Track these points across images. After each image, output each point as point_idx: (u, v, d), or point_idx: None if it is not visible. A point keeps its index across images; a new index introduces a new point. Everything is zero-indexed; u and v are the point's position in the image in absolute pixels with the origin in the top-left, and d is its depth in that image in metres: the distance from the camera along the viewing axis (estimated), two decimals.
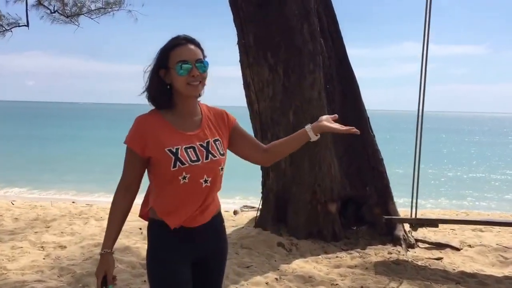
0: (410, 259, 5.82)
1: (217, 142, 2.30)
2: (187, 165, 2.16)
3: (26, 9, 9.80)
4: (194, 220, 2.26)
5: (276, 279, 5.01)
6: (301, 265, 5.49)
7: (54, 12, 10.01)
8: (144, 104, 2.31)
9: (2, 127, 48.71)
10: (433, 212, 11.05)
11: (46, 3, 9.86)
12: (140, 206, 2.38)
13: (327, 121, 2.35)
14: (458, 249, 6.37)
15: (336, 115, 2.43)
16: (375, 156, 6.78)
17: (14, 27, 10.25)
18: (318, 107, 6.38)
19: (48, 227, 7.25)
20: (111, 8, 10.02)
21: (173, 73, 2.18)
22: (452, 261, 5.90)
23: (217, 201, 2.40)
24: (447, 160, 27.71)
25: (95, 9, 10.05)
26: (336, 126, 2.34)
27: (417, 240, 6.56)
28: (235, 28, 6.72)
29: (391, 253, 5.95)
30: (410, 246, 6.37)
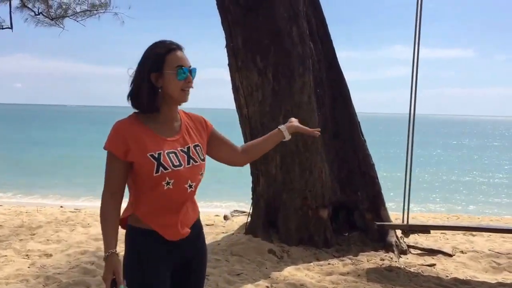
0: (402, 266, 5.74)
1: (197, 148, 2.31)
2: (170, 170, 2.15)
3: (10, 12, 9.63)
4: (178, 228, 2.24)
5: (268, 287, 4.91)
6: (292, 272, 5.39)
7: (39, 14, 9.85)
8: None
9: None
10: (423, 216, 11.00)
11: (30, 5, 9.70)
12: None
13: (296, 122, 2.58)
14: (450, 255, 6.31)
15: (318, 130, 2.67)
16: (366, 161, 6.70)
17: None
18: (308, 111, 6.28)
19: (33, 235, 7.08)
20: (96, 10, 9.89)
21: (170, 77, 2.18)
22: (444, 268, 5.83)
23: (196, 206, 2.41)
24: (436, 163, 27.82)
25: (80, 12, 9.91)
26: (304, 127, 2.59)
27: (409, 246, 6.49)
28: (223, 31, 6.61)
29: (383, 260, 5.87)
30: (402, 252, 6.30)
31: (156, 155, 2.14)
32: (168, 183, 2.15)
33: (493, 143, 54.07)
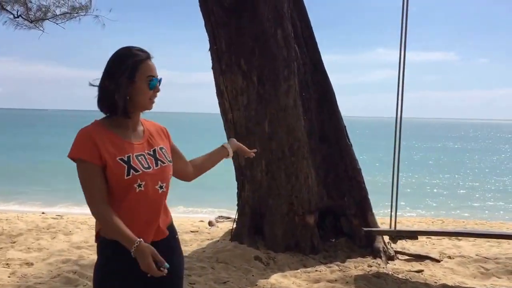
0: (390, 272, 5.65)
1: (163, 150, 2.34)
2: (141, 172, 2.17)
3: None
4: (154, 232, 2.25)
5: None
6: (279, 280, 5.28)
7: (18, 17, 9.63)
8: None
9: None
10: (408, 220, 11.00)
11: (9, 8, 9.48)
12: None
13: (236, 141, 2.73)
14: (438, 261, 6.25)
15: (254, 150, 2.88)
16: (353, 166, 6.61)
17: None
18: (294, 115, 6.19)
19: (13, 243, 6.86)
20: (77, 13, 9.70)
21: (141, 86, 2.19)
22: (433, 274, 5.76)
23: (168, 211, 2.39)
24: (419, 167, 27.92)
25: (60, 14, 9.70)
26: (243, 147, 2.77)
27: (396, 252, 6.42)
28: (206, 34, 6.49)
29: (371, 266, 5.78)
30: (390, 258, 6.21)
31: (126, 158, 2.15)
32: (139, 185, 2.16)
33: (475, 146, 54.61)
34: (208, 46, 6.49)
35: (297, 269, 5.67)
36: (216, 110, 6.77)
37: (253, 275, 5.41)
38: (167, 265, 2.08)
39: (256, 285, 5.08)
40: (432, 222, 11.12)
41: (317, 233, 6.30)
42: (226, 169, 6.65)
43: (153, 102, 2.27)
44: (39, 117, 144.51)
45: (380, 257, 6.07)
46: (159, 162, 2.27)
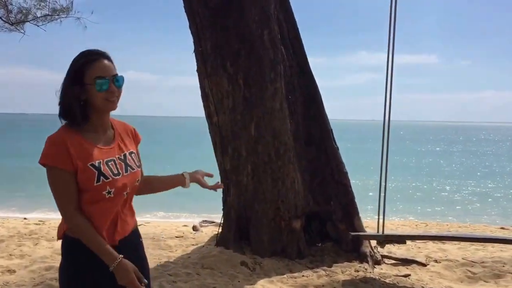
0: (377, 277, 5.59)
1: (132, 155, 2.34)
2: (111, 179, 2.17)
3: None
4: (116, 234, 2.25)
5: None
6: (266, 285, 5.21)
7: None
8: None
9: None
10: (392, 223, 10.98)
11: None
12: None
13: (201, 175, 2.58)
14: (424, 265, 6.21)
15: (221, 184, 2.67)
16: (340, 170, 6.54)
17: None
18: (280, 119, 6.12)
19: None
20: (58, 15, 9.53)
21: (91, 89, 2.15)
22: (419, 278, 5.72)
23: (134, 214, 2.41)
24: (400, 170, 28.06)
25: (41, 16, 9.54)
26: (207, 184, 2.57)
27: (383, 256, 6.36)
28: (191, 35, 6.39)
29: (358, 271, 5.72)
30: (377, 262, 6.15)
31: (97, 164, 2.15)
32: (109, 192, 2.16)
33: (458, 149, 55.10)
34: (193, 48, 6.40)
35: (284, 275, 5.60)
36: (202, 113, 6.67)
37: (239, 281, 5.33)
38: (145, 280, 2.19)
39: None
40: (416, 225, 11.12)
41: (303, 238, 6.23)
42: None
43: (111, 102, 2.20)
44: (18, 122, 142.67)
45: (367, 262, 6.01)
46: (128, 168, 2.28)
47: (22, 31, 9.68)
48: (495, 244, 7.24)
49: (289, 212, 6.14)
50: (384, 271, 5.93)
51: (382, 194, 5.52)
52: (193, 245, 6.86)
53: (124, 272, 2.14)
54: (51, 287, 5.00)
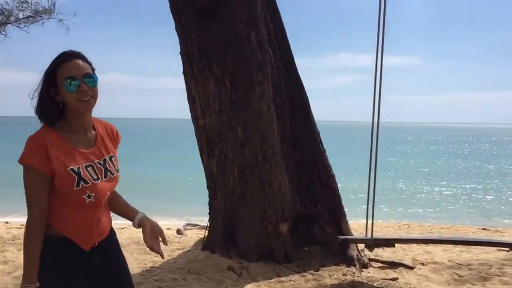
0: (365, 281, 5.56)
1: (112, 159, 2.33)
2: (90, 183, 2.18)
3: None
4: (96, 236, 2.30)
5: None
6: None
7: None
8: None
9: None
10: (375, 225, 10.98)
11: None
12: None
13: (153, 231, 2.38)
14: (411, 268, 6.19)
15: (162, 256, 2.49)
16: (327, 172, 6.49)
17: None
18: (268, 121, 6.05)
19: None
20: (40, 16, 9.42)
21: (62, 90, 2.15)
22: (407, 281, 5.70)
23: (110, 214, 2.45)
24: (380, 171, 28.20)
25: (23, 18, 9.41)
26: (150, 243, 2.36)
27: (370, 259, 6.33)
28: (177, 37, 6.29)
29: (345, 275, 5.68)
30: (364, 266, 6.12)
31: (76, 169, 2.15)
32: (89, 196, 2.18)
33: (438, 149, 55.61)
34: (179, 49, 6.30)
35: (271, 279, 5.53)
36: (188, 115, 6.57)
37: (226, 286, 5.25)
38: None
39: None
40: (399, 227, 11.16)
41: (290, 242, 6.16)
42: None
43: (85, 103, 2.17)
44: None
45: (354, 265, 5.97)
46: (108, 173, 2.28)
47: (4, 33, 9.56)
48: (479, 246, 7.26)
49: (276, 215, 6.07)
50: (372, 274, 5.90)
51: (371, 198, 5.49)
52: (178, 249, 6.74)
53: None
54: None
